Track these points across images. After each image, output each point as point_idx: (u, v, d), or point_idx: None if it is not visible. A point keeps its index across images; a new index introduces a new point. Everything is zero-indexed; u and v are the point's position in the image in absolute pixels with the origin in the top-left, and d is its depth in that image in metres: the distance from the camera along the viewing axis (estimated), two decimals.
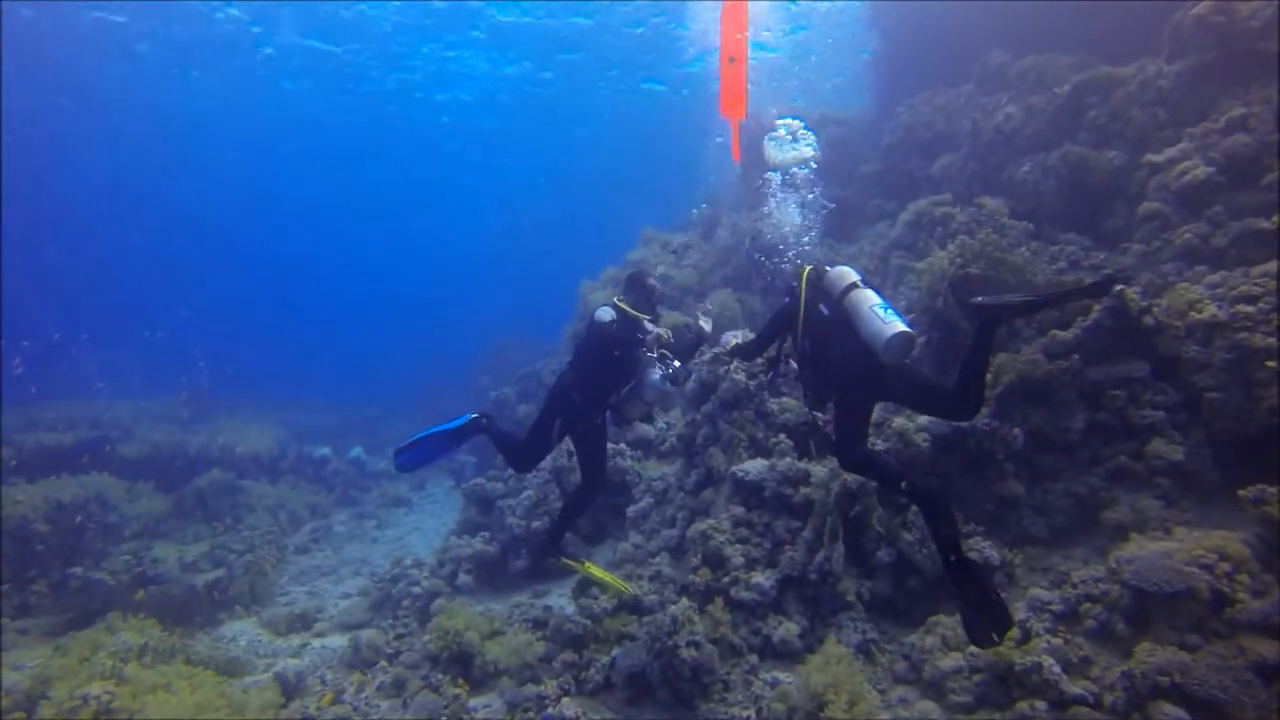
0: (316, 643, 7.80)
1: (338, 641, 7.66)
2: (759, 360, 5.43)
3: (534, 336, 19.60)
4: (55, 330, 20.63)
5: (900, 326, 3.75)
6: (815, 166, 6.72)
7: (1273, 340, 4.97)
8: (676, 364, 5.02)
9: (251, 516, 11.92)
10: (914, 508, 5.69)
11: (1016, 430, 5.70)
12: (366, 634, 7.26)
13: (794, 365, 4.72)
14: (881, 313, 3.85)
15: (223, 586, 8.94)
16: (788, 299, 4.62)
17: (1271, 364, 4.90)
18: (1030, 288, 5.94)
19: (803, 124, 7.43)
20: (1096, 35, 9.69)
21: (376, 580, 9.08)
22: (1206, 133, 7.10)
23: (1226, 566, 4.28)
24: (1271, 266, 5.47)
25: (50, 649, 6.70)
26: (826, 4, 17.35)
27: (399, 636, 7.21)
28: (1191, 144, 7.17)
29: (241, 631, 8.18)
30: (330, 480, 15.25)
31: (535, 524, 8.23)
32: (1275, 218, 5.96)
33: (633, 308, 5.03)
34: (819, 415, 5.64)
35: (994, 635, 3.29)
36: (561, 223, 42.18)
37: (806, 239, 6.07)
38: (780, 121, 7.36)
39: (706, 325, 5.25)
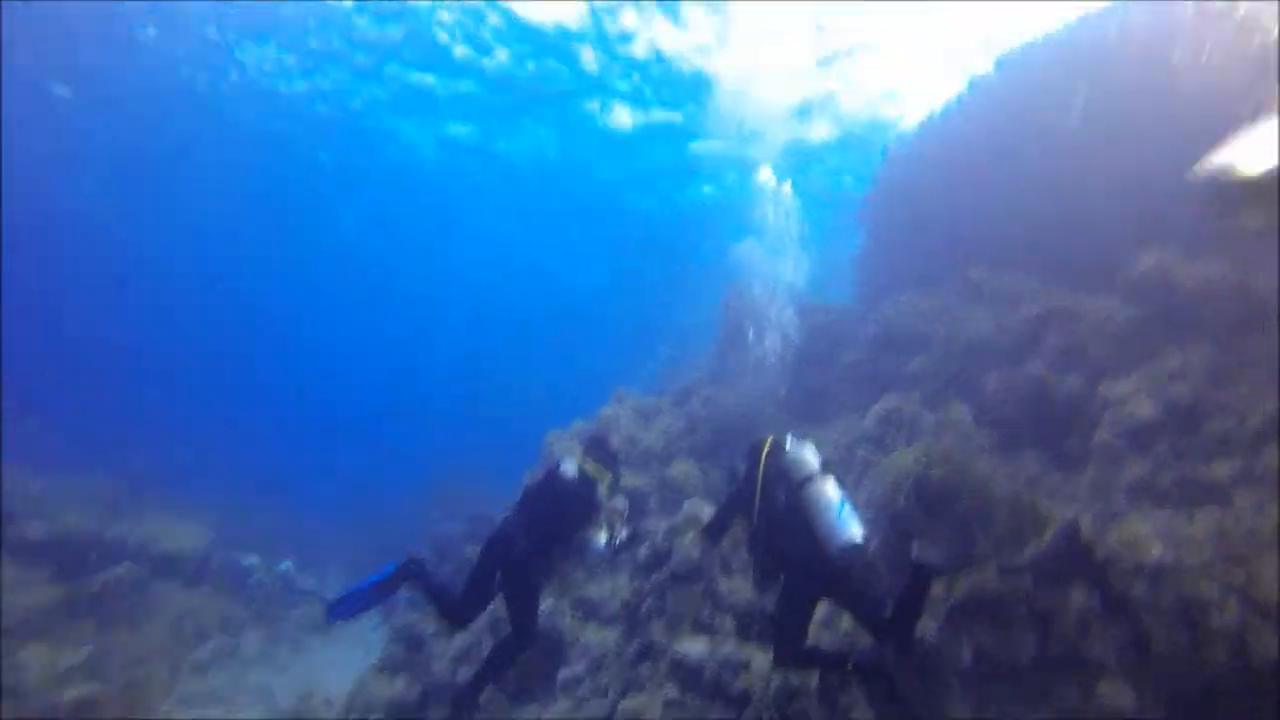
0: None
1: None
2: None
3: (491, 478, 18.90)
4: None
5: (856, 535, 3.75)
6: None
7: (1215, 591, 4.99)
8: (623, 534, 4.94)
9: (150, 623, 10.86)
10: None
11: (965, 651, 5.52)
12: None
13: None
14: (839, 514, 3.85)
15: (92, 706, 7.91)
16: (745, 480, 4.61)
17: (1217, 617, 4.90)
18: (957, 546, 6.02)
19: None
20: (1068, 258, 10.46)
21: (275, 717, 8.20)
22: (1154, 375, 7.57)
23: None
24: (1214, 513, 5.63)
25: None
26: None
27: None
28: (1141, 383, 7.62)
29: None
30: (252, 592, 14.19)
31: (463, 670, 7.63)
32: (1213, 466, 6.23)
33: (596, 464, 5.03)
34: (767, 605, 5.48)
35: None
36: (532, 366, 42.84)
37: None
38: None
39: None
